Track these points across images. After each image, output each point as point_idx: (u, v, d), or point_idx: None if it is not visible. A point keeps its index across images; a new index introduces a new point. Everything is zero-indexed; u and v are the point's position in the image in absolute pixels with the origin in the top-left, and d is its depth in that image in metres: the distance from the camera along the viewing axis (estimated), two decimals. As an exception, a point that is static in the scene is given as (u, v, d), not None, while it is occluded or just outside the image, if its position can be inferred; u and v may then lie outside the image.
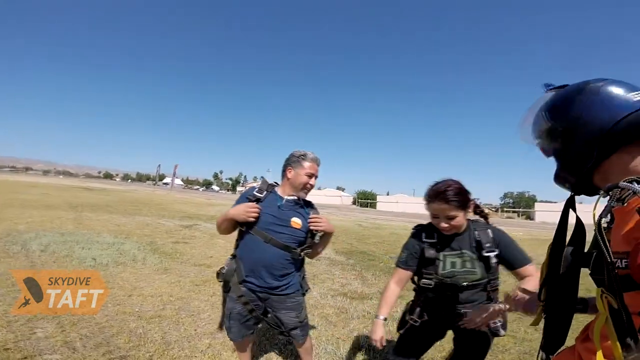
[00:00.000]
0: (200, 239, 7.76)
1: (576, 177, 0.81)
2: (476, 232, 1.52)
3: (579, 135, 0.77)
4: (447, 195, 1.43)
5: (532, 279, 1.48)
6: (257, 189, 1.89)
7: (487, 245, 1.49)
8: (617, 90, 0.75)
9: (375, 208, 50.25)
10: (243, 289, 1.78)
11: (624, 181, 0.69)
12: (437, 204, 1.45)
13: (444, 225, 1.47)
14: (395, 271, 1.66)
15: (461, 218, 1.47)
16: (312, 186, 1.90)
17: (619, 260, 0.67)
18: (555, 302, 0.86)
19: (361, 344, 2.77)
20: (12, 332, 2.43)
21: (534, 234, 15.29)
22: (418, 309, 1.67)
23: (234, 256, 1.87)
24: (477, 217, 1.63)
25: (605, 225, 0.77)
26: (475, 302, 1.56)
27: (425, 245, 1.58)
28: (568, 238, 0.87)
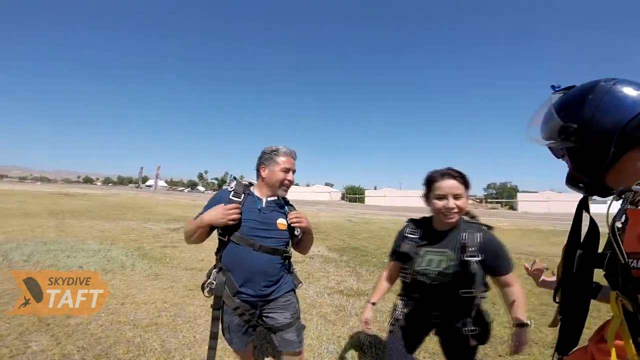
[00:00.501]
0: (189, 242, 7.62)
1: (590, 177, 0.81)
2: (464, 234, 1.46)
3: (594, 133, 0.77)
4: (454, 172, 1.44)
5: (512, 289, 1.49)
6: (232, 193, 1.73)
7: (471, 249, 1.42)
8: (627, 89, 0.76)
9: (363, 203, 50.69)
10: (237, 300, 1.67)
11: (636, 184, 0.69)
12: (446, 181, 1.42)
13: (451, 205, 1.41)
14: (390, 262, 1.74)
15: (465, 201, 1.44)
16: (290, 182, 1.77)
17: (633, 261, 0.67)
18: (570, 304, 0.86)
19: (362, 341, 2.78)
20: (6, 347, 2.35)
21: (518, 224, 15.75)
22: (400, 303, 1.66)
23: (220, 269, 1.72)
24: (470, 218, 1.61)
25: (620, 225, 0.78)
26: (447, 307, 1.51)
27: (405, 240, 1.57)
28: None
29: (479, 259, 1.41)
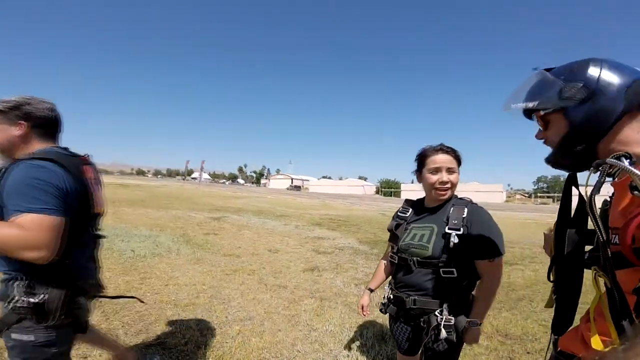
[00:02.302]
0: (228, 230, 8.07)
1: (586, 142, 0.76)
2: (452, 208, 1.40)
3: (601, 90, 0.73)
4: (448, 147, 1.44)
5: (489, 282, 1.36)
6: None
7: (454, 222, 1.33)
8: (618, 63, 0.76)
9: (399, 197, 49.63)
10: None
11: (611, 157, 0.68)
12: (440, 155, 1.41)
13: (444, 179, 1.39)
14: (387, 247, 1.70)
15: (457, 177, 1.43)
16: None
17: (615, 237, 0.66)
18: (564, 282, 0.86)
19: (384, 330, 2.85)
20: None
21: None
22: (387, 287, 1.60)
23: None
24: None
25: (608, 199, 0.78)
26: (426, 289, 1.39)
27: (395, 218, 1.57)
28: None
29: (461, 232, 1.30)
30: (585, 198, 0.73)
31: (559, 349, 0.87)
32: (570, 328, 0.88)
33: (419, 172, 1.50)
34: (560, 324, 0.88)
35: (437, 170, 1.41)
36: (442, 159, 1.41)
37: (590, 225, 0.80)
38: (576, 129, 0.77)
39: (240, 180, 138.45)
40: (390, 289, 1.57)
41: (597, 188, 0.70)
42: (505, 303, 3.79)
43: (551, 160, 0.85)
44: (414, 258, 1.40)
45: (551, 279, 0.91)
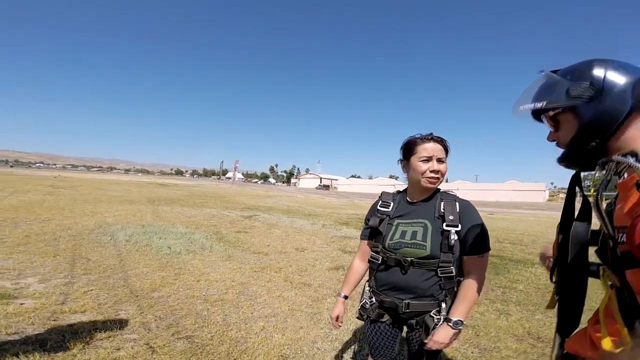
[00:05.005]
0: (259, 228, 8.31)
1: (598, 139, 0.75)
2: (442, 203, 1.34)
3: (608, 88, 0.74)
4: (437, 137, 1.38)
5: (474, 278, 1.27)
6: None
7: (451, 218, 1.28)
8: (623, 63, 0.76)
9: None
10: None
11: (618, 155, 0.68)
12: (431, 143, 1.36)
13: (436, 167, 1.34)
14: (360, 244, 1.57)
15: (446, 166, 1.37)
16: None
17: (622, 236, 0.65)
18: (567, 283, 0.85)
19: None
20: (101, 314, 2.89)
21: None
22: (367, 290, 1.48)
23: None
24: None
25: (613, 199, 0.77)
26: (422, 290, 1.31)
27: (375, 213, 1.45)
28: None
29: (459, 229, 1.27)
30: (589, 198, 0.72)
31: (565, 351, 0.85)
32: (577, 330, 0.86)
33: (406, 160, 1.42)
34: (566, 326, 0.86)
35: (428, 159, 1.35)
36: (433, 148, 1.35)
37: (594, 225, 0.80)
38: (586, 127, 0.77)
39: (272, 180, 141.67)
40: (372, 292, 1.45)
41: (603, 186, 0.70)
42: (539, 305, 3.65)
43: (563, 160, 0.85)
44: (408, 258, 1.31)
45: (553, 280, 0.90)
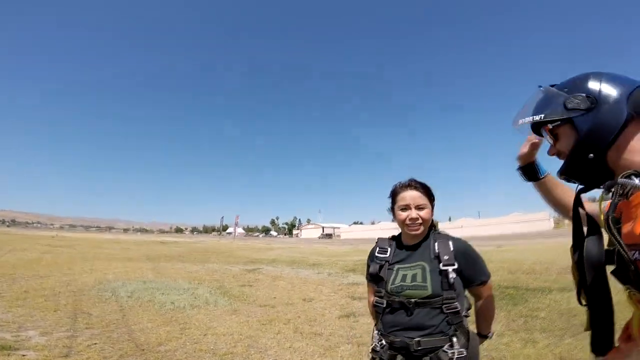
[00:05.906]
0: (263, 281, 8.08)
1: (595, 152, 0.77)
2: (436, 243, 1.38)
3: (604, 100, 0.76)
4: (416, 183, 1.42)
5: (486, 302, 1.42)
6: None
7: (446, 257, 1.33)
8: (617, 75, 0.80)
9: (437, 239, 47.18)
10: None
11: (621, 177, 0.69)
12: (408, 192, 1.39)
13: (413, 215, 1.37)
14: (367, 286, 1.60)
15: (429, 212, 1.40)
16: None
17: (635, 253, 0.66)
18: (595, 303, 0.83)
19: None
20: None
21: None
22: (376, 333, 1.46)
23: None
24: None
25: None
26: (430, 328, 1.31)
27: (374, 260, 1.47)
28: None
29: (456, 267, 1.32)
30: (596, 220, 0.74)
31: None
32: (613, 349, 0.83)
33: (393, 210, 1.47)
34: (600, 344, 0.83)
35: (406, 207, 1.39)
36: (410, 195, 1.39)
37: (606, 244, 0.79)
38: (585, 137, 0.79)
39: (273, 232, 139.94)
40: (381, 334, 1.43)
41: (612, 209, 0.72)
42: (567, 330, 3.54)
43: (563, 172, 0.86)
44: (412, 299, 1.33)
45: (582, 302, 0.86)
